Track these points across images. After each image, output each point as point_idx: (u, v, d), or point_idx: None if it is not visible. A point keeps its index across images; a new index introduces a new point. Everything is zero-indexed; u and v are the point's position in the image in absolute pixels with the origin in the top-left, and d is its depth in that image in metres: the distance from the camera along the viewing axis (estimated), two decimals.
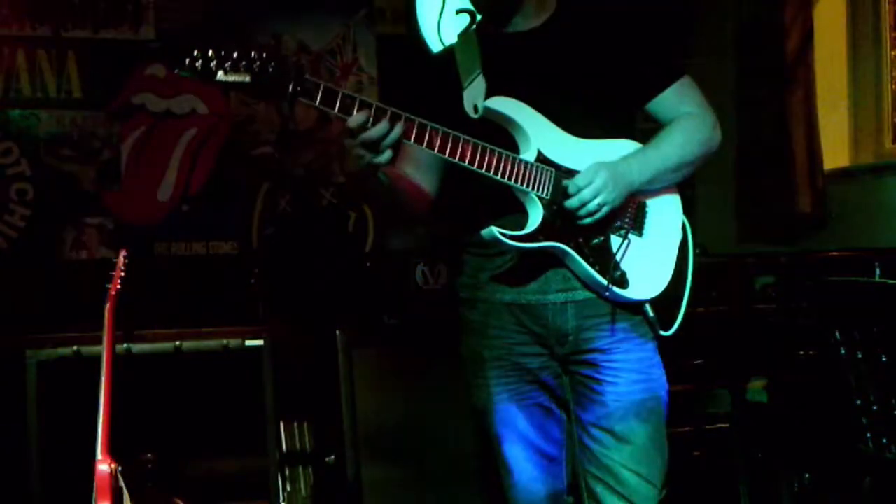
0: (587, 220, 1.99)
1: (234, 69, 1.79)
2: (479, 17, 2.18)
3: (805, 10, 4.80)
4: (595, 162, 2.02)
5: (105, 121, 4.90)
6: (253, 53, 1.80)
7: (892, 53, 4.74)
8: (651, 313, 2.12)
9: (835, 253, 4.43)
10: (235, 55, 1.78)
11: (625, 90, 2.13)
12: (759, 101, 4.99)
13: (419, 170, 2.18)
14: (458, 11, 2.25)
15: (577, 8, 2.16)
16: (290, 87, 1.82)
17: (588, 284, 2.07)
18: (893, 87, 4.74)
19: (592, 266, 2.03)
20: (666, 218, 2.14)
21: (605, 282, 2.04)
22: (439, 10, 2.21)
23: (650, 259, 2.10)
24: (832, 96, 4.88)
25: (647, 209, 2.11)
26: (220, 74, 1.78)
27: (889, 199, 4.48)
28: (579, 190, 1.97)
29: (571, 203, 1.97)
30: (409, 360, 3.20)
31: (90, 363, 2.98)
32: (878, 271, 3.97)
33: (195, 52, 1.78)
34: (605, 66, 2.10)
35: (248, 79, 1.80)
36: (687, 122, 2.14)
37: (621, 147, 2.11)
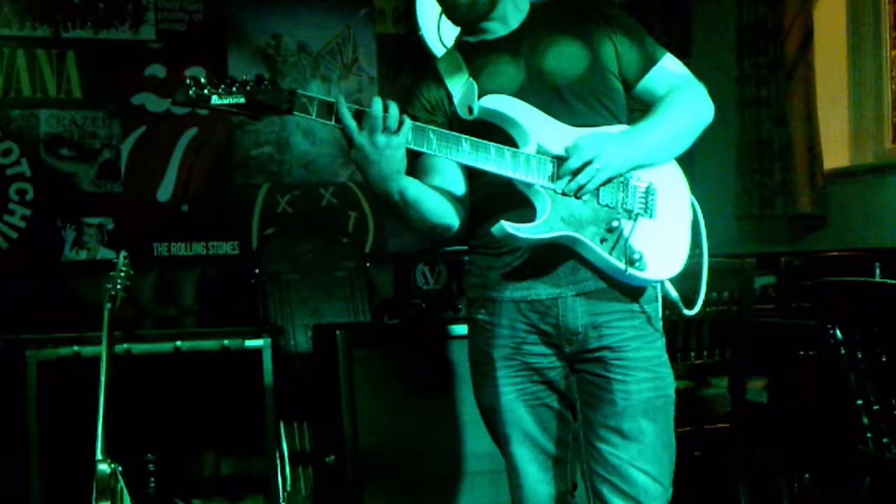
0: (592, 183, 1.98)
1: (228, 92, 1.82)
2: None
3: (805, 10, 4.81)
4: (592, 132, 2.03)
5: (105, 121, 4.92)
6: (245, 76, 1.84)
7: (892, 53, 4.74)
8: (674, 293, 2.12)
9: (835, 253, 4.43)
10: (228, 80, 1.82)
11: (611, 76, 2.14)
12: (760, 100, 5.00)
13: (445, 179, 2.15)
14: None
15: (548, 6, 2.17)
16: (286, 103, 1.84)
17: (605, 272, 2.06)
18: (893, 87, 4.74)
19: (607, 251, 2.02)
20: (674, 198, 2.14)
21: (622, 266, 2.02)
22: (439, 11, 2.21)
23: (664, 239, 2.09)
24: (832, 96, 4.89)
25: (654, 191, 2.10)
26: (215, 99, 1.82)
27: (889, 199, 4.49)
28: (579, 151, 1.97)
29: (572, 164, 1.96)
30: (410, 360, 3.19)
31: (90, 363, 2.98)
32: (878, 271, 3.98)
33: (188, 81, 1.81)
34: (586, 56, 2.11)
35: (242, 100, 1.82)
36: (678, 96, 2.14)
37: (617, 131, 2.11)
